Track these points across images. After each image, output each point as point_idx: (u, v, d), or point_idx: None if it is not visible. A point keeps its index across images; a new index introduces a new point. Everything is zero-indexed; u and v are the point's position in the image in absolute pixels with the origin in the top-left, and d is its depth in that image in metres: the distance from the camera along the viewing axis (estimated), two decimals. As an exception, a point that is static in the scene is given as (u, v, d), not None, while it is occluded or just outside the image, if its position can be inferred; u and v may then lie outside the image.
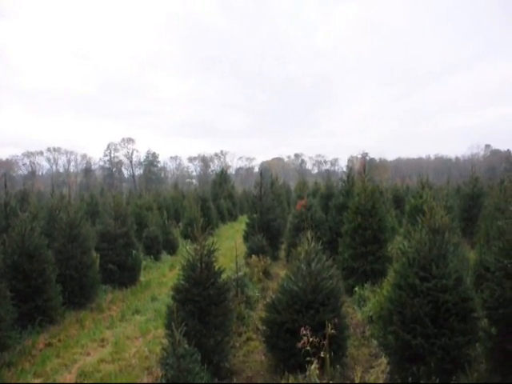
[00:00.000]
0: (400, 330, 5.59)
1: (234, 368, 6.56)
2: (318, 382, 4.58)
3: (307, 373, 5.10)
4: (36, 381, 6.51)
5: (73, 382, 6.44)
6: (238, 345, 7.38)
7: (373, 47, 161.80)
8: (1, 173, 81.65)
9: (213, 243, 6.50)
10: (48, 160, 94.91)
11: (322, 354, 4.80)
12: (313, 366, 4.78)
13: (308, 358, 4.90)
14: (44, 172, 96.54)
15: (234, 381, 6.21)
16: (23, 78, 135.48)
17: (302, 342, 4.80)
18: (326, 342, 4.85)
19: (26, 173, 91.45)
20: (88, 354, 7.58)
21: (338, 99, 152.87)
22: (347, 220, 11.30)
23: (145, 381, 6.19)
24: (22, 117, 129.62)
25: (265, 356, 6.91)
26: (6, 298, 7.52)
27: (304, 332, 4.82)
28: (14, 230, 9.09)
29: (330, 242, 13.57)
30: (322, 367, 5.16)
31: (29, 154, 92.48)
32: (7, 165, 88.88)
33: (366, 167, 11.87)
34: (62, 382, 6.46)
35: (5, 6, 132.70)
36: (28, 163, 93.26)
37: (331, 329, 4.94)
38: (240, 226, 27.54)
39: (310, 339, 4.81)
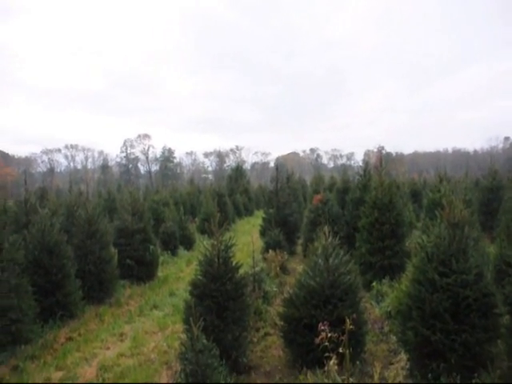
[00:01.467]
0: (419, 325, 5.54)
1: (251, 363, 6.58)
2: (339, 378, 4.55)
3: (326, 368, 5.08)
4: (58, 374, 6.62)
5: (93, 375, 6.53)
6: (255, 340, 7.40)
7: (385, 39, 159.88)
8: (20, 170, 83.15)
9: (230, 238, 6.50)
10: (66, 157, 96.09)
11: (340, 350, 4.76)
12: (331, 362, 4.75)
13: (326, 354, 4.87)
14: (62, 169, 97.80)
15: (252, 376, 6.23)
16: (40, 77, 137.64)
17: (321, 337, 4.77)
18: (344, 338, 4.81)
19: (44, 170, 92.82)
20: (107, 348, 7.68)
21: (351, 92, 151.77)
22: (364, 214, 11.21)
23: (164, 375, 6.25)
24: (40, 115, 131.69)
25: (283, 351, 6.90)
26: (27, 292, 7.69)
27: (322, 327, 4.79)
28: (34, 226, 9.24)
29: (347, 237, 13.48)
30: (340, 363, 5.13)
31: (47, 152, 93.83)
32: (27, 162, 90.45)
33: (383, 161, 11.75)
34: (82, 375, 6.55)
35: (16, 3, 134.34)
36: (46, 160, 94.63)
37: (350, 324, 4.89)
38: (256, 220, 27.54)
39: (329, 335, 4.78)
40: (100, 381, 6.29)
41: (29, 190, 12.05)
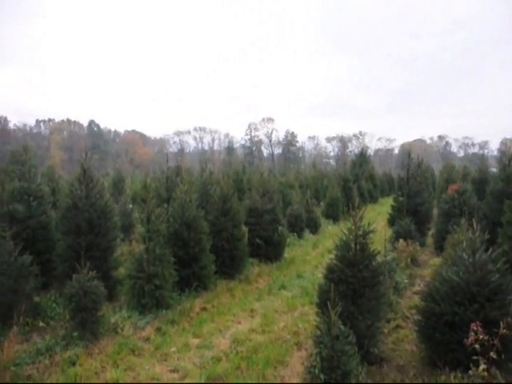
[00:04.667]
0: None
1: (383, 355, 6.34)
2: None
3: (471, 372, 4.72)
4: (195, 340, 7.07)
5: (227, 346, 6.84)
6: (386, 331, 7.14)
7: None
8: (155, 150, 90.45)
9: (369, 224, 6.29)
10: (194, 139, 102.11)
11: (492, 355, 4.38)
12: (481, 368, 4.39)
13: (474, 357, 4.51)
14: (191, 150, 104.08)
15: (384, 368, 6.02)
16: (178, 68, 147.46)
17: (471, 338, 4.42)
18: (496, 342, 4.41)
19: (175, 150, 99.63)
20: (239, 323, 7.99)
21: (484, 76, 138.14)
22: (509, 209, 10.17)
23: (295, 356, 6.32)
24: (173, 101, 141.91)
25: (416, 346, 6.56)
26: (169, 262, 8.34)
27: (475, 328, 4.44)
28: (175, 201, 9.91)
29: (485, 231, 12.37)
30: (487, 369, 4.72)
31: (178, 133, 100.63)
32: (161, 143, 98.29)
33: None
34: (217, 345, 6.90)
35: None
36: (177, 141, 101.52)
37: (504, 328, 4.48)
38: (381, 208, 26.72)
39: (480, 336, 4.42)
40: (234, 353, 6.57)
41: (167, 168, 12.97)
